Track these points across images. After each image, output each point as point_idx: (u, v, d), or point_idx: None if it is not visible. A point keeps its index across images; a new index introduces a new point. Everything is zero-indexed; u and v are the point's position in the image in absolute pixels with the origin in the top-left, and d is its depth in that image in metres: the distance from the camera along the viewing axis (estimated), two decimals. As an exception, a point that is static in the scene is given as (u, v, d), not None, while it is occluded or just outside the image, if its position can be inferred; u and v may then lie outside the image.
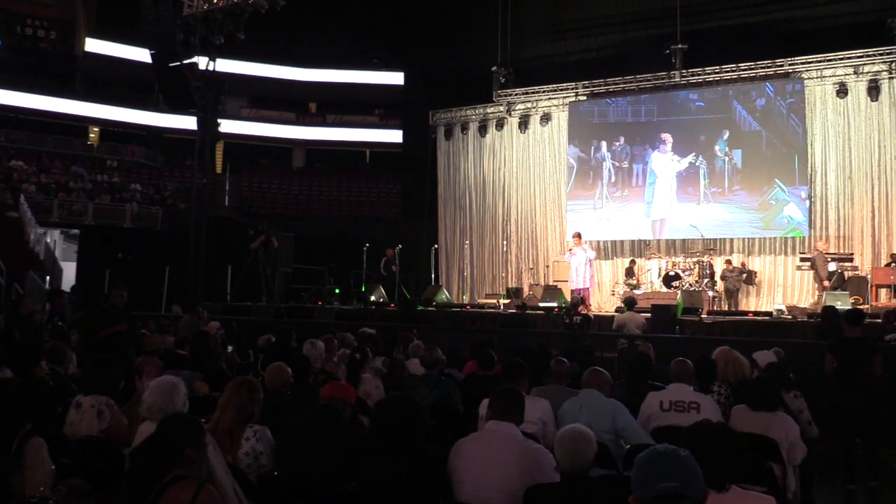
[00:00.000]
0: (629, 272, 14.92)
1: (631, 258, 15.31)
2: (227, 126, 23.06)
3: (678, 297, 12.02)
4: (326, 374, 5.54)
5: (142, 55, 18.79)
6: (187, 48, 15.51)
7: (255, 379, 3.59)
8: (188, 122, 19.90)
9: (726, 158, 15.33)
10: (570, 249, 14.20)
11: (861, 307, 11.21)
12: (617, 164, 16.42)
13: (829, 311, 8.62)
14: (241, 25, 14.99)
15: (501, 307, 13.60)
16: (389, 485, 3.05)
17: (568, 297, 12.75)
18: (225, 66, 21.72)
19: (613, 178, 16.40)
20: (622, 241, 16.23)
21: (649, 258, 15.11)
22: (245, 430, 3.36)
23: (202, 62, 15.70)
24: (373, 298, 14.22)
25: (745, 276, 14.22)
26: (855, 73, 14.30)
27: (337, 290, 15.16)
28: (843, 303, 10.74)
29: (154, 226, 21.22)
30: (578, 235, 14.51)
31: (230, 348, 7.19)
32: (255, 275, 14.70)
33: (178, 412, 3.05)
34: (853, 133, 14.28)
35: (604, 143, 16.55)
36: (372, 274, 15.20)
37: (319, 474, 3.28)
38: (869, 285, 12.89)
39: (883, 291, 12.80)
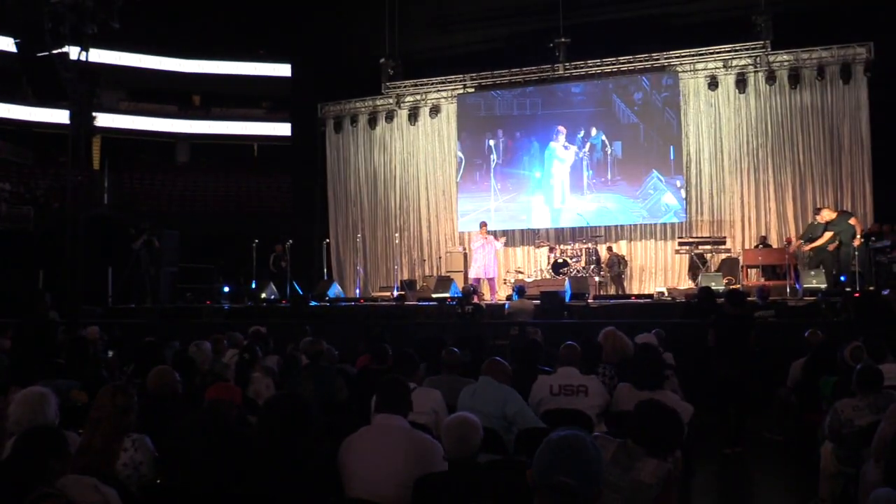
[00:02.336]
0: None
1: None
2: (104, 120, 21.74)
3: (566, 283, 12.41)
4: (214, 376, 5.39)
5: (6, 44, 17.49)
6: (56, 37, 14.53)
7: (128, 385, 3.43)
8: (60, 116, 18.71)
9: (608, 150, 15.81)
10: (486, 237, 14.18)
11: (734, 286, 11.97)
12: (504, 155, 16.64)
13: (706, 291, 9.12)
14: (115, 14, 14.18)
15: (395, 300, 13.59)
16: (277, 485, 2.99)
17: (460, 288, 12.89)
18: (100, 56, 20.55)
19: (501, 170, 16.62)
20: (513, 231, 16.49)
21: (539, 247, 15.49)
22: (122, 440, 3.21)
23: (74, 52, 14.79)
24: (263, 296, 13.91)
25: (621, 262, 14.85)
26: (724, 66, 15.12)
27: (226, 289, 14.74)
28: (716, 283, 11.39)
29: (26, 226, 19.90)
30: (485, 225, 14.55)
31: (110, 353, 6.85)
32: (139, 276, 14.09)
33: (35, 425, 2.86)
34: (724, 124, 15.11)
35: (490, 136, 16.77)
36: (263, 271, 14.87)
37: (204, 479, 3.17)
38: (740, 266, 13.75)
39: (753, 271, 13.67)
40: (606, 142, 15.81)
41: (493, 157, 16.79)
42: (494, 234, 14.87)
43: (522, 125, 16.67)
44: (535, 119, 16.55)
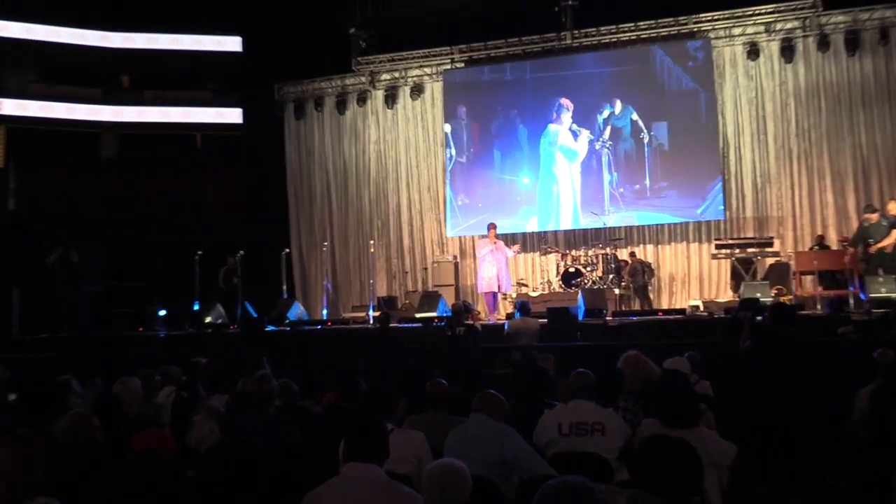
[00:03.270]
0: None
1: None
2: (10, 106, 21.79)
3: (579, 297, 12.40)
4: (145, 421, 5.38)
5: None
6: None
7: (32, 435, 3.38)
8: (-45, 104, 18.66)
9: (643, 137, 14.61)
10: (495, 242, 13.72)
11: (785, 298, 11.98)
12: (469, 149, 16.08)
13: (749, 303, 9.11)
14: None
15: (371, 321, 13.60)
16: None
17: (450, 305, 12.85)
18: (5, 29, 20.53)
19: (464, 173, 16.19)
20: (513, 235, 16.23)
21: (546, 253, 15.42)
22: (24, 505, 3.15)
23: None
24: (209, 320, 13.93)
25: (647, 270, 14.83)
26: (766, 31, 15.20)
27: (162, 312, 14.70)
28: (762, 295, 11.39)
29: None
30: (493, 228, 13.81)
31: (12, 396, 6.75)
32: (53, 298, 14.03)
33: None
34: (767, 100, 15.17)
35: (448, 115, 16.31)
36: (208, 289, 14.84)
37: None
38: (791, 272, 13.75)
39: (808, 279, 13.64)
40: (641, 123, 14.74)
41: (451, 151, 15.80)
42: (505, 238, 14.59)
43: (500, 98, 15.40)
44: (523, 87, 15.24)
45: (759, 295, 10.96)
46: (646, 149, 14.43)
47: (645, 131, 14.64)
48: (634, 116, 14.61)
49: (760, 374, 6.82)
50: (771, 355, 6.83)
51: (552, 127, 15.17)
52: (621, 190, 14.37)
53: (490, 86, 15.13)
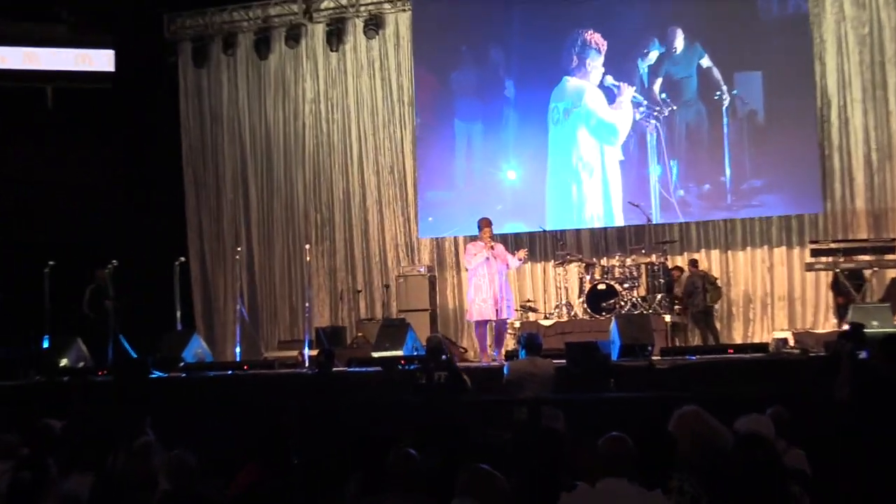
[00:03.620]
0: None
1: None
2: None
3: (612, 327, 12.43)
4: None
5: None
6: None
7: None
8: None
9: (723, 99, 13.91)
10: (492, 247, 13.41)
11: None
12: (453, 103, 16.05)
13: (851, 334, 9.13)
14: None
15: (306, 363, 13.62)
16: None
17: (424, 340, 12.86)
18: None
19: (458, 133, 16.16)
20: (517, 236, 16.27)
21: (565, 263, 15.39)
22: None
23: None
24: (64, 363, 13.88)
25: (710, 286, 14.81)
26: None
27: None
28: (881, 322, 11.44)
29: None
30: (489, 225, 13.45)
31: None
32: None
33: None
34: (887, 39, 15.24)
35: (431, 61, 16.22)
36: (66, 317, 14.79)
37: None
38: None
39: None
40: (717, 74, 14.15)
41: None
42: (505, 241, 14.58)
43: (468, 29, 15.31)
44: (507, 10, 14.90)
45: (875, 323, 10.99)
46: (725, 119, 13.85)
47: (724, 89, 14.04)
48: (705, 62, 13.93)
49: (864, 434, 6.83)
50: (879, 408, 6.85)
51: (570, 82, 14.54)
52: (681, 192, 13.81)
53: (450, 9, 14.58)
